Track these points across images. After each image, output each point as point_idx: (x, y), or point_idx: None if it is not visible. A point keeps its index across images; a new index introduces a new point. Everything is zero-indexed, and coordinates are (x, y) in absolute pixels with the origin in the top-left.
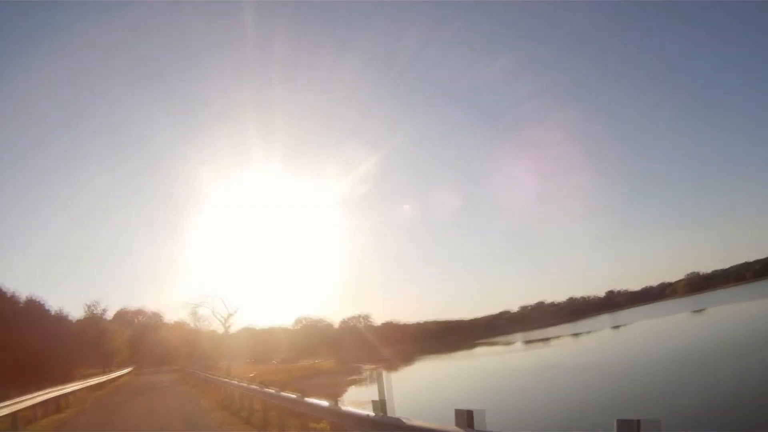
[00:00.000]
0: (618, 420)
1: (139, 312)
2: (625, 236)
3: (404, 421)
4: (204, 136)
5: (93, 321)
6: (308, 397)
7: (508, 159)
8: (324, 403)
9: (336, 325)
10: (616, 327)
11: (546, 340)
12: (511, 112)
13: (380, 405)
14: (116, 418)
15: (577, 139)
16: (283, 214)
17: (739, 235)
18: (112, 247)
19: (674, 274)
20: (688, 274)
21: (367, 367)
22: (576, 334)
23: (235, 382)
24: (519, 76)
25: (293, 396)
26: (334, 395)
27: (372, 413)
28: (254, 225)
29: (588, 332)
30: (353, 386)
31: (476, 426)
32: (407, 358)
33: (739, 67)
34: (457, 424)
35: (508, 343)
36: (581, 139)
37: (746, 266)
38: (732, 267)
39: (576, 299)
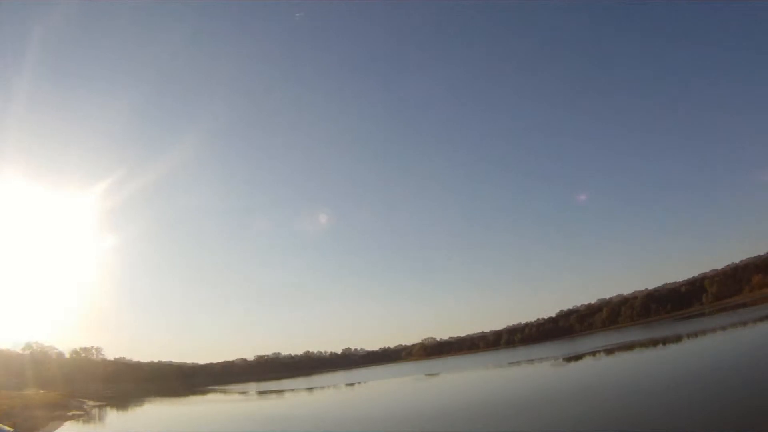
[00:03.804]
0: None
1: None
2: (367, 296)
3: None
4: None
5: None
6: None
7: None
8: None
9: (67, 354)
10: (350, 384)
11: (279, 392)
12: None
13: None
14: None
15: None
16: (20, 230)
17: (477, 306)
18: None
19: (411, 337)
20: (423, 339)
21: (90, 403)
22: (309, 389)
23: None
24: None
25: None
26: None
27: None
28: None
29: (321, 387)
30: (70, 421)
31: None
32: (135, 399)
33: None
34: None
35: (240, 392)
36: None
37: (481, 336)
38: (467, 336)
39: (312, 354)
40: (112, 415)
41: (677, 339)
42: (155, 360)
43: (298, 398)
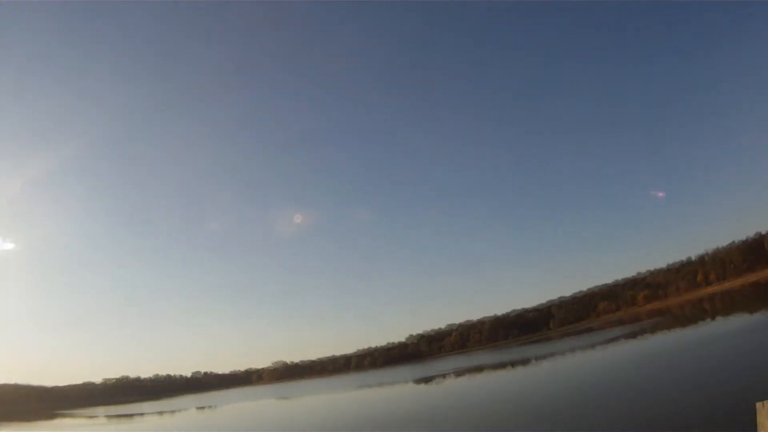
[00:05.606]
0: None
1: None
2: (217, 318)
3: None
4: None
5: None
6: None
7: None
8: None
9: None
10: (201, 408)
11: (130, 416)
12: None
13: None
14: None
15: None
16: None
17: (327, 330)
18: None
19: (261, 360)
20: (274, 362)
21: None
22: (160, 413)
23: None
24: None
25: None
26: None
27: None
28: None
29: (173, 412)
30: None
31: None
32: None
33: None
34: None
35: (89, 417)
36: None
37: (331, 360)
38: (317, 359)
39: (161, 376)
40: None
41: (522, 362)
42: (5, 382)
43: (149, 423)
